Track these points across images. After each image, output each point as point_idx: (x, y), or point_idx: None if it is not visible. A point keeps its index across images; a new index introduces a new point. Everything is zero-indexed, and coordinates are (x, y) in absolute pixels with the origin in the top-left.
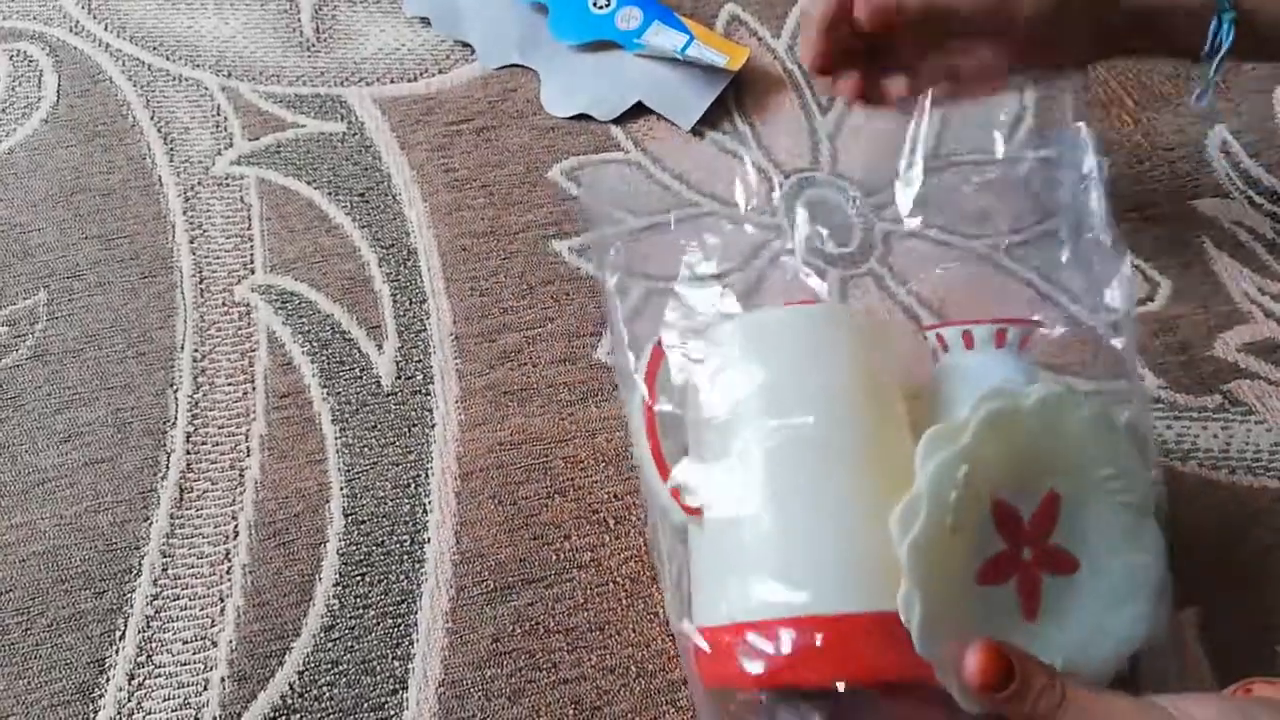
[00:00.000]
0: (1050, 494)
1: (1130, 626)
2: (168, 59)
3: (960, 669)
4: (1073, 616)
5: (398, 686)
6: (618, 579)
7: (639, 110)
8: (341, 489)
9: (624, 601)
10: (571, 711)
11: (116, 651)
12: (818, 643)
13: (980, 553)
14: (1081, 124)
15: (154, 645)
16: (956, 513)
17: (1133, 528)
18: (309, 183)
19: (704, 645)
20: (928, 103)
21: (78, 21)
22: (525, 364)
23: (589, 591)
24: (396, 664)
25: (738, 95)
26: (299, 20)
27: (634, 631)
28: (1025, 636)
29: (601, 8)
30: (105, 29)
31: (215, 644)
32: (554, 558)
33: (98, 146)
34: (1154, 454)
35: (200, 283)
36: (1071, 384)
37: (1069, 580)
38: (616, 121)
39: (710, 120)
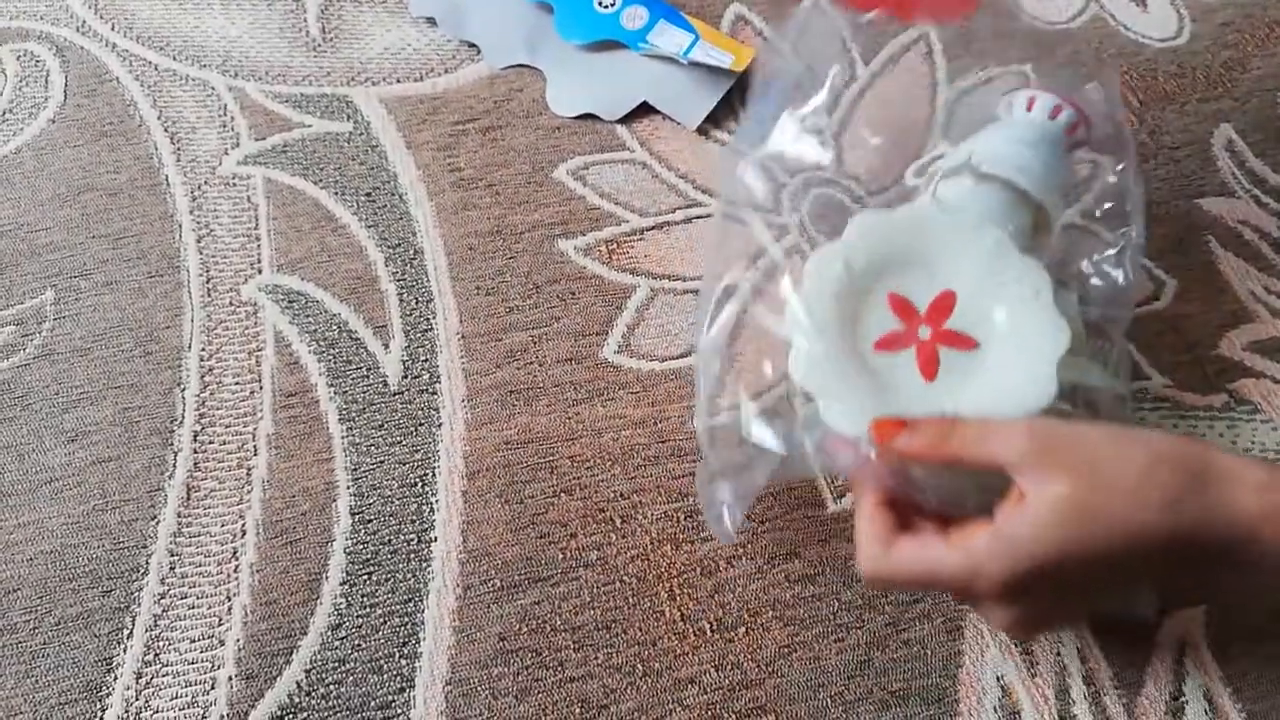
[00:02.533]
0: (945, 292)
1: (1030, 388)
2: (174, 59)
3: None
4: (974, 380)
5: (405, 685)
6: (624, 578)
7: (644, 110)
8: (348, 488)
9: (630, 600)
10: (578, 710)
11: (124, 650)
12: None
13: (878, 330)
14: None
15: (161, 644)
16: (841, 299)
17: (1033, 314)
18: (315, 182)
19: None
20: (939, 101)
21: (84, 21)
22: (532, 363)
23: (595, 590)
24: (403, 662)
25: (743, 95)
26: (305, 20)
27: (640, 630)
28: (925, 396)
29: (607, 7)
30: (112, 29)
31: (223, 643)
32: (560, 556)
33: (105, 146)
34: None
35: (207, 282)
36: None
37: (969, 354)
38: (622, 121)
39: (715, 119)
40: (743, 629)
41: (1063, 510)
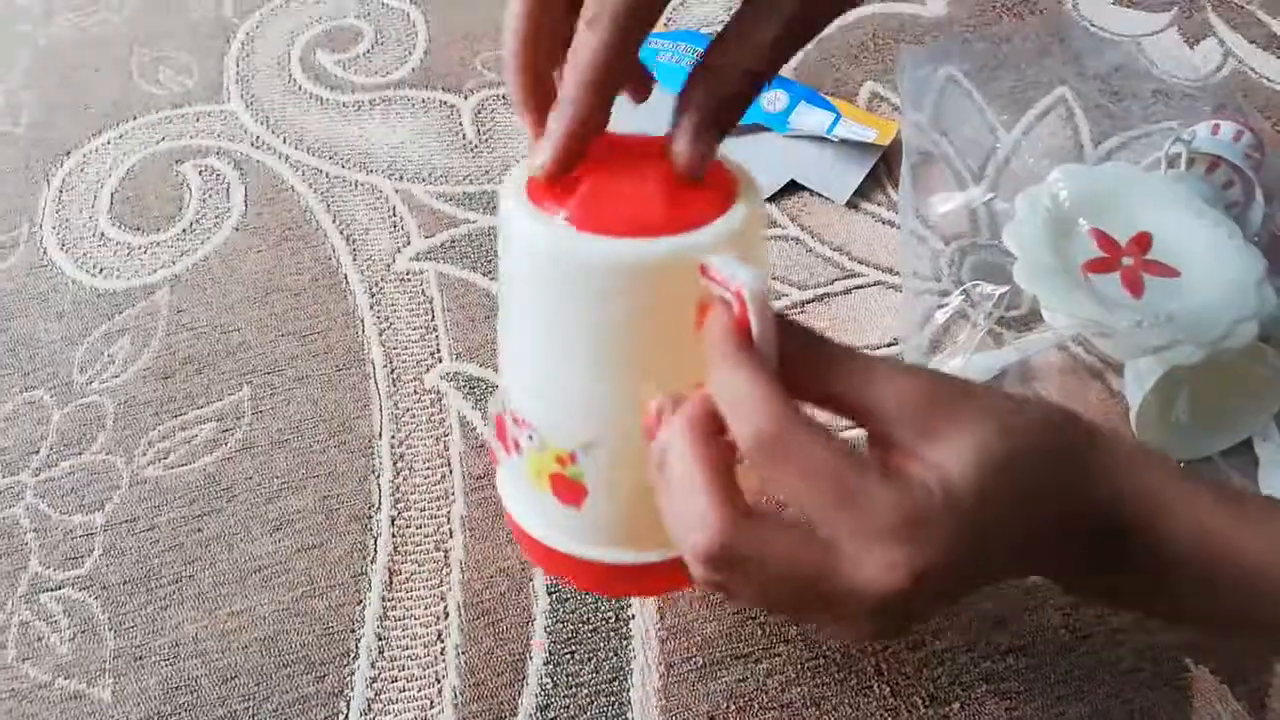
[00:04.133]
0: (1143, 233)
1: (1236, 297)
2: (343, 166)
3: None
4: (1179, 297)
5: None
6: (827, 653)
7: (792, 188)
8: None
9: (837, 676)
10: None
11: None
12: None
13: (1083, 256)
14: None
15: None
16: (1050, 226)
17: (1230, 247)
18: (484, 274)
19: None
20: (1087, 163)
21: (258, 137)
22: None
23: (800, 666)
24: None
25: (889, 168)
26: (460, 124)
27: (851, 707)
28: (1135, 306)
29: None
30: (283, 142)
31: None
32: (759, 633)
33: (287, 250)
34: None
35: (392, 373)
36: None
37: (1172, 280)
38: (771, 200)
39: (864, 193)
40: (958, 704)
41: (993, 464)
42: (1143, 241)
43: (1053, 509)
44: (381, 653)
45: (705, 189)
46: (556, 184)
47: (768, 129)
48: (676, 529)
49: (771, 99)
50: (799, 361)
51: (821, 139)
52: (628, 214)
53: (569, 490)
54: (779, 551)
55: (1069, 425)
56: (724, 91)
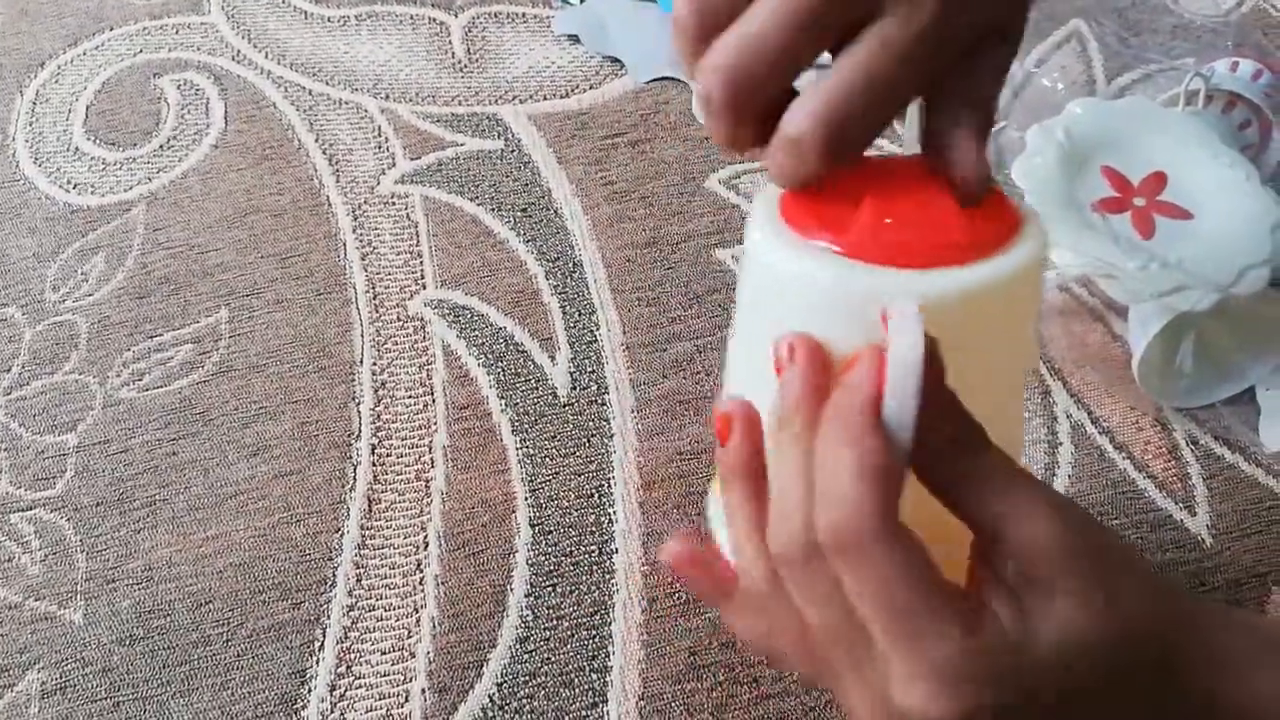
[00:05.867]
0: (1157, 172)
1: (1247, 244)
2: (327, 84)
3: None
4: (1190, 240)
5: (597, 700)
6: None
7: None
8: (526, 499)
9: None
10: None
11: (317, 662)
12: None
13: (1093, 195)
14: None
15: (353, 656)
16: (1062, 162)
17: (1246, 189)
18: (471, 199)
19: None
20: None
21: (239, 51)
22: (698, 373)
23: None
24: (594, 676)
25: None
26: (450, 42)
27: None
28: (1143, 247)
29: None
30: (266, 57)
31: (413, 655)
32: None
33: (267, 169)
34: None
35: (374, 298)
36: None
37: (1183, 221)
38: None
39: None
40: None
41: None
42: (1156, 182)
43: (1141, 707)
44: (359, 581)
45: (983, 213)
46: (817, 207)
47: None
48: (791, 501)
49: None
50: (941, 458)
51: (826, 67)
52: (917, 241)
53: None
54: (893, 575)
55: (1174, 610)
56: (982, 93)
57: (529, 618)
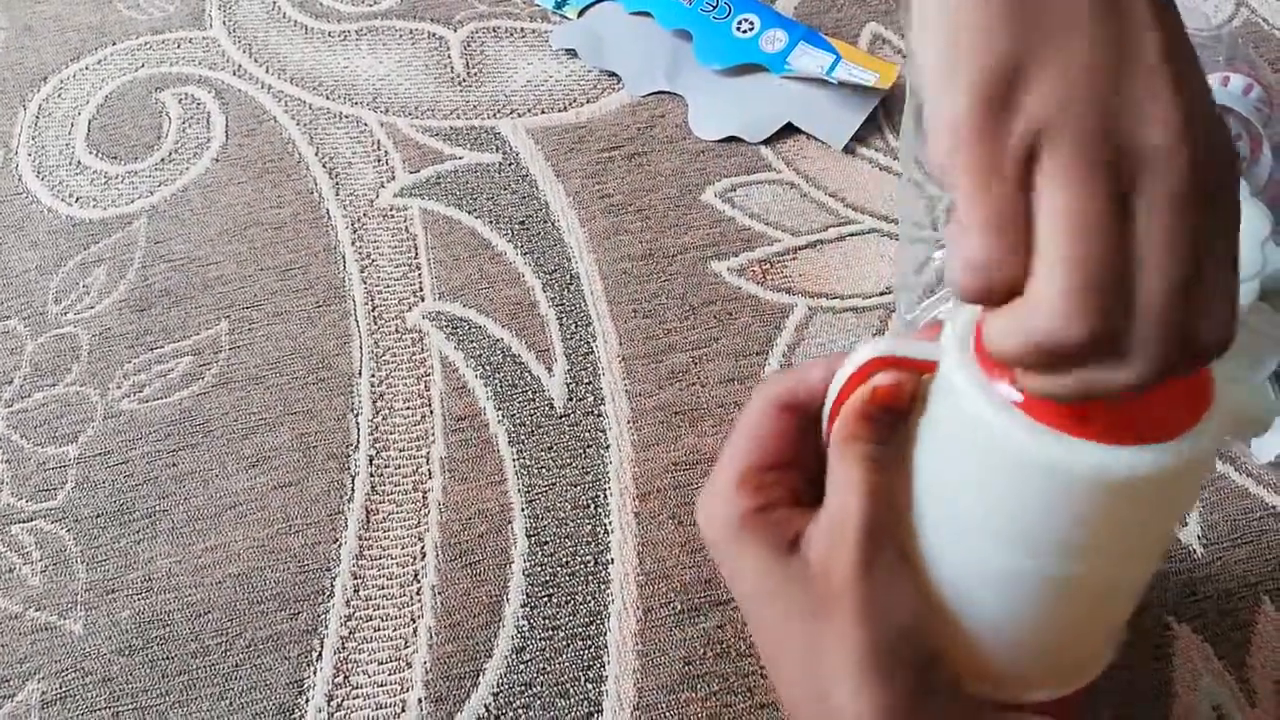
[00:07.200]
0: None
1: (1242, 267)
2: (327, 98)
3: None
4: None
5: (592, 710)
6: None
7: (789, 131)
8: (523, 509)
9: None
10: None
11: (314, 672)
12: None
13: None
14: None
15: (350, 666)
16: None
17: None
18: (470, 212)
19: None
20: None
21: (240, 65)
22: (694, 384)
23: None
24: (589, 686)
25: (888, 113)
26: (449, 57)
27: None
28: None
29: (745, 32)
30: (266, 71)
31: (410, 665)
32: None
33: (267, 183)
34: None
35: (373, 310)
36: None
37: None
38: (766, 143)
39: (861, 138)
40: None
41: None
42: None
43: None
44: (357, 592)
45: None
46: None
47: (765, 69)
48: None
49: (770, 38)
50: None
51: (820, 81)
52: (1131, 417)
53: None
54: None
55: None
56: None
57: (525, 628)
